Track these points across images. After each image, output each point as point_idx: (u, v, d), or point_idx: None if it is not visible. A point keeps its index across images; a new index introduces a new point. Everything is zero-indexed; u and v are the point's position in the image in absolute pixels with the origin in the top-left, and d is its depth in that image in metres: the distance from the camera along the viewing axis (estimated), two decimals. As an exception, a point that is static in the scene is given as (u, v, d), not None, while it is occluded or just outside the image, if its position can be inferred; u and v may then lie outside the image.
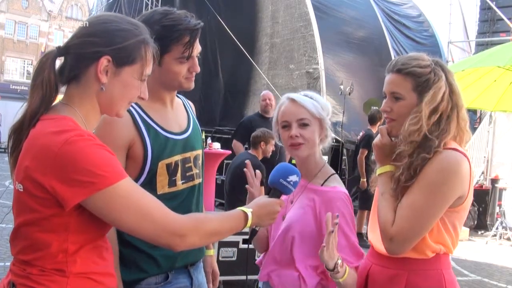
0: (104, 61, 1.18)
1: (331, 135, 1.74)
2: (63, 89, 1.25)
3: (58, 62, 1.25)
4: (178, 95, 1.84)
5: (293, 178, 1.46)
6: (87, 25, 1.21)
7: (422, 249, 1.49)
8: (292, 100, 1.68)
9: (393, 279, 1.53)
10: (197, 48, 1.65)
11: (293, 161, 1.79)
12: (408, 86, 1.53)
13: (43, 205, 1.11)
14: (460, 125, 1.54)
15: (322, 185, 1.67)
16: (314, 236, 1.60)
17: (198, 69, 1.67)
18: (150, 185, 1.60)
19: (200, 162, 1.79)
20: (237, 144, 5.54)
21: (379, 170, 1.61)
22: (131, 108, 1.60)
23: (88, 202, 1.09)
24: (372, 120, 6.69)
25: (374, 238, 1.63)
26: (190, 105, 1.90)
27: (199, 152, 1.79)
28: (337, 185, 1.66)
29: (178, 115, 1.77)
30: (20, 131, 1.18)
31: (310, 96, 1.71)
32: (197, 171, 1.76)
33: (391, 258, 1.53)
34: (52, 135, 1.09)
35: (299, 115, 1.65)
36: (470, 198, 1.52)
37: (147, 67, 1.25)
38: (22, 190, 1.13)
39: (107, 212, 1.11)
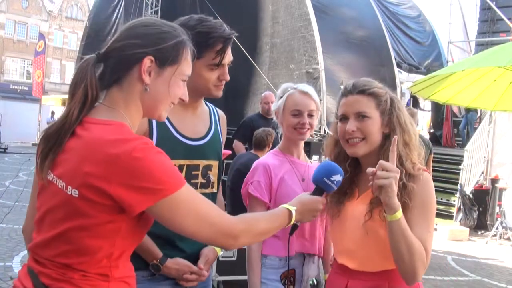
0: (147, 62, 1.19)
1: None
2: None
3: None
4: (208, 104, 1.85)
5: (336, 177, 1.49)
6: (126, 29, 1.24)
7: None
8: (304, 93, 1.98)
9: None
10: (229, 56, 1.67)
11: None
12: (372, 105, 1.59)
13: (101, 211, 1.11)
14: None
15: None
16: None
17: (228, 77, 1.67)
18: None
19: (211, 173, 1.76)
20: (238, 144, 5.61)
21: (392, 217, 1.41)
22: None
23: (153, 209, 1.12)
24: None
25: (343, 257, 1.64)
26: (219, 116, 1.88)
27: (212, 163, 1.77)
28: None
29: (198, 122, 1.76)
30: (59, 135, 1.16)
31: (311, 89, 2.02)
32: (204, 181, 1.74)
33: (369, 271, 1.56)
34: (118, 143, 1.10)
35: (310, 107, 1.96)
36: None
37: (187, 68, 1.28)
38: (77, 195, 1.11)
39: (170, 218, 1.15)
